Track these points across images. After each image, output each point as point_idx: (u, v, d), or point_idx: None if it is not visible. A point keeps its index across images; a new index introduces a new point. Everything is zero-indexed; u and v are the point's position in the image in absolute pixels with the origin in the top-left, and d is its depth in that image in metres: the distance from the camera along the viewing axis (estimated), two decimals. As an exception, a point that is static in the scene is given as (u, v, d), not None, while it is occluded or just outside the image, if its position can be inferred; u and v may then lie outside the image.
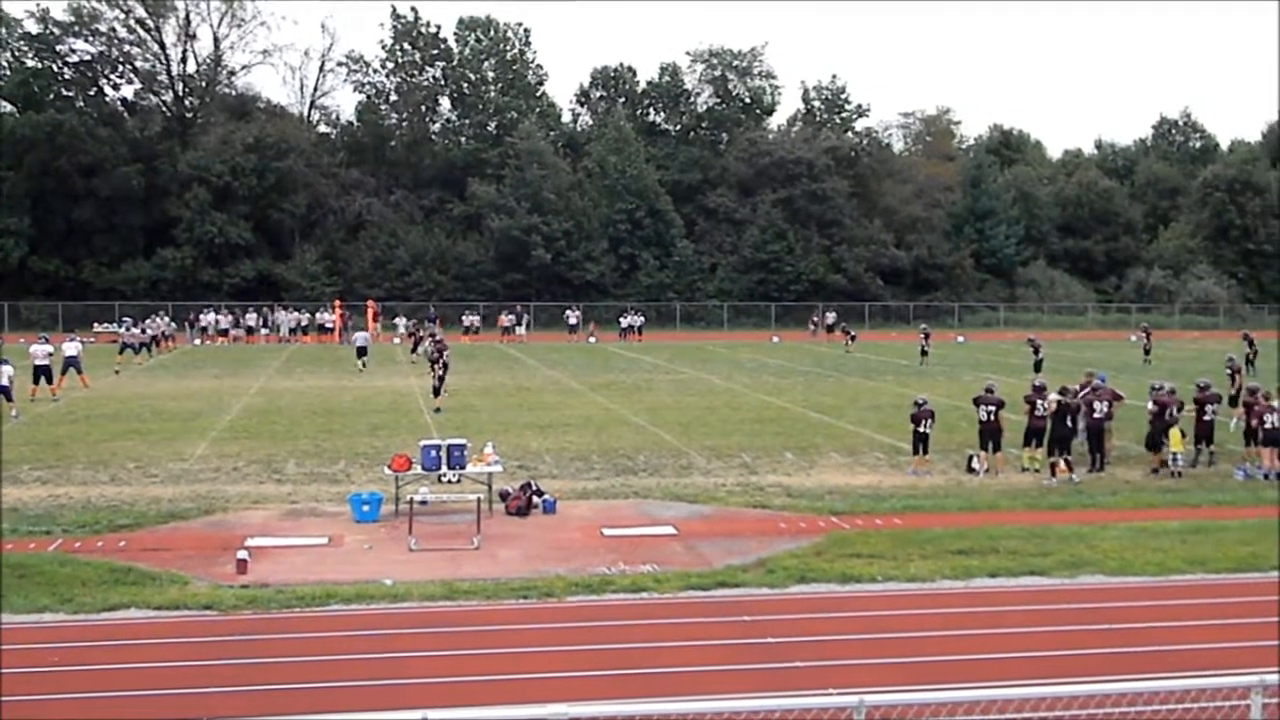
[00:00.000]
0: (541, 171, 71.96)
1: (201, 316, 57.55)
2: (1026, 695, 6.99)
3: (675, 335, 64.96)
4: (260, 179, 69.21)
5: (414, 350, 46.25)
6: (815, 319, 64.96)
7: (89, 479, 20.22)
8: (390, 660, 11.23)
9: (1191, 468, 21.76)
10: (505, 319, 59.98)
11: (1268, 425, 20.75)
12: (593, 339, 59.71)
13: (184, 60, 75.60)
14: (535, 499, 17.77)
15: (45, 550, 15.08)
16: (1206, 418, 22.05)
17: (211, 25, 75.01)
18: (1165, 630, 12.42)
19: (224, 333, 56.42)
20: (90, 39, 71.77)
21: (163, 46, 74.27)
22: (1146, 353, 46.10)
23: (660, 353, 50.83)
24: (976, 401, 21.37)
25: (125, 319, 47.83)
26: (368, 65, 78.95)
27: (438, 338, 33.95)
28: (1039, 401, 21.06)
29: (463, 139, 79.96)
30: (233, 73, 78.12)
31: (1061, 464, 20.56)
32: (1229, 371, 29.31)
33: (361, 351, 42.31)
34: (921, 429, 21.03)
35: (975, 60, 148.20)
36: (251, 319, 58.78)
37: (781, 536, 16.24)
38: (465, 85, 79.71)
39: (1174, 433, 21.52)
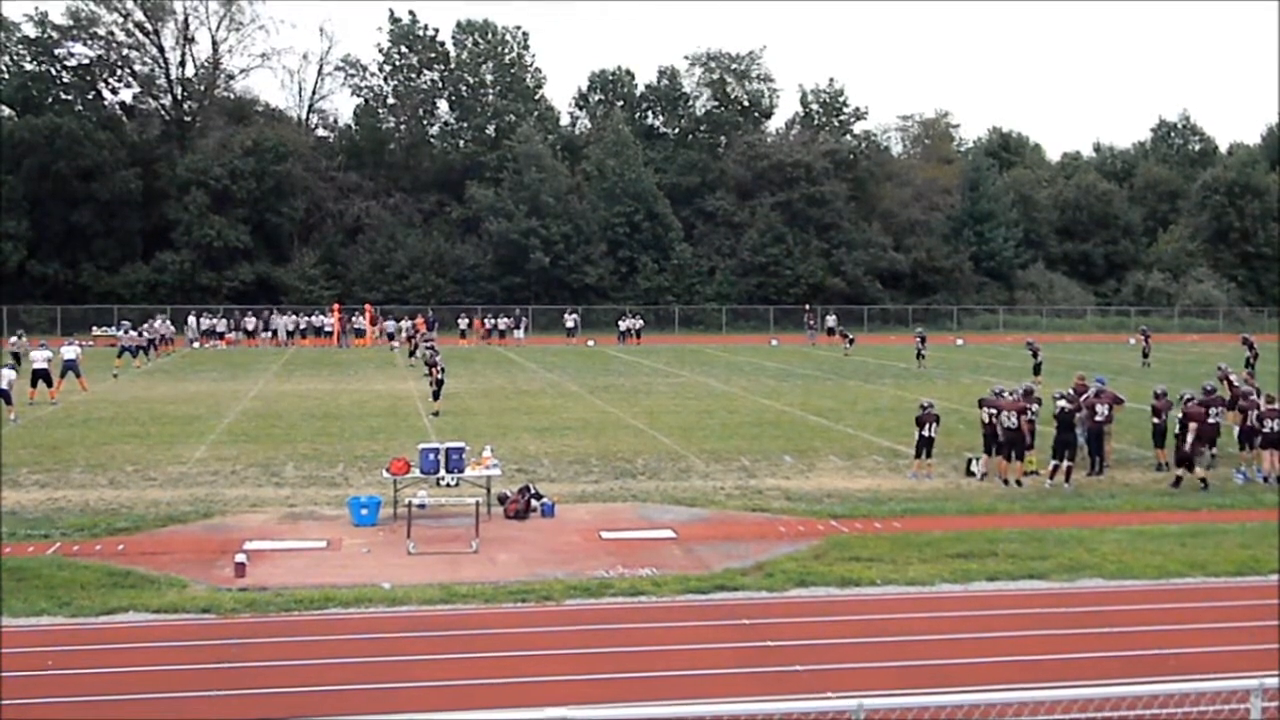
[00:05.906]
0: (540, 175, 71.91)
1: (200, 320, 57.45)
2: (1025, 699, 6.98)
3: (674, 338, 64.95)
4: (259, 182, 69.17)
5: (412, 354, 46.37)
6: (812, 321, 64.11)
7: (87, 482, 20.21)
8: (388, 664, 11.22)
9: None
10: (498, 322, 60.08)
11: (1267, 429, 20.75)
12: (488, 340, 59.27)
13: (182, 64, 75.65)
14: (534, 502, 17.74)
15: (44, 553, 15.06)
16: (1210, 421, 22.04)
17: (210, 29, 75.11)
18: (1164, 634, 12.41)
19: (222, 336, 56.36)
20: (89, 43, 71.76)
21: (161, 50, 74.33)
22: (1145, 356, 46.13)
23: (659, 356, 50.82)
24: (985, 404, 21.34)
25: (124, 322, 47.81)
26: (365, 69, 78.99)
27: (430, 342, 34.30)
28: (1029, 407, 21.05)
29: (461, 142, 79.86)
30: (231, 76, 78.23)
31: (1048, 466, 20.56)
32: (1219, 377, 29.27)
33: (391, 336, 53.58)
34: (926, 432, 20.97)
35: (974, 63, 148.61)
36: (250, 322, 58.74)
37: (780, 540, 16.22)
38: (463, 88, 79.63)
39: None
